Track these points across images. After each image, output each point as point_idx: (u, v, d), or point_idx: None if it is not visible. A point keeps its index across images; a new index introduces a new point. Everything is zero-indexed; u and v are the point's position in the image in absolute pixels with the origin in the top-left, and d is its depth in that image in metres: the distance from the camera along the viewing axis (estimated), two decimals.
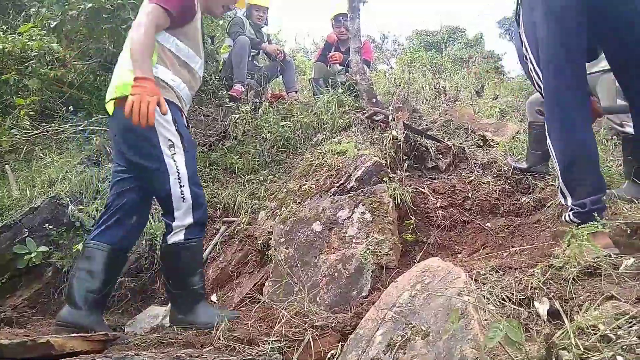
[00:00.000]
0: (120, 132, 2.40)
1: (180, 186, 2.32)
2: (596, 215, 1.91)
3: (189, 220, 2.38)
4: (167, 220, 2.41)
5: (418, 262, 2.74)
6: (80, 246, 3.41)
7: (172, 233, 2.39)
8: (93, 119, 5.05)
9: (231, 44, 5.75)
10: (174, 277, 2.49)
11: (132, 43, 2.17)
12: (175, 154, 2.30)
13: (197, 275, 2.49)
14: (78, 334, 2.04)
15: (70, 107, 5.31)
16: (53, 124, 4.97)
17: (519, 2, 2.32)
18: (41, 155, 4.58)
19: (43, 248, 3.34)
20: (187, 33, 2.42)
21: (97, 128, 4.96)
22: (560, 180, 2.22)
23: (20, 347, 1.83)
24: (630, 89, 2.37)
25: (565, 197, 2.21)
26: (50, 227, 3.43)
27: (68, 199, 3.72)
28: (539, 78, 2.24)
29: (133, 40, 2.17)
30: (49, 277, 3.39)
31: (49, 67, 5.43)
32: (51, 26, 5.14)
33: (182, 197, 2.33)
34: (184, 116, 2.52)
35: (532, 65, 2.25)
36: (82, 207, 3.76)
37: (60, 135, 4.90)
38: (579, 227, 1.91)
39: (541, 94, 2.34)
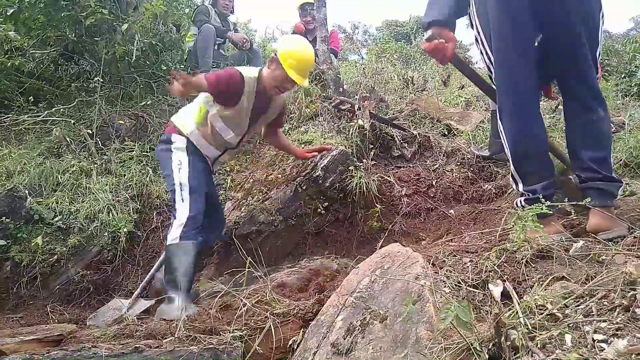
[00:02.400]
0: (157, 151, 3.23)
1: (181, 190, 2.87)
2: (544, 200, 1.96)
3: (184, 218, 2.80)
4: (172, 217, 2.93)
5: (379, 248, 2.77)
6: (39, 240, 3.33)
7: (171, 232, 2.81)
8: (54, 109, 4.90)
9: (196, 33, 5.64)
10: (165, 268, 2.84)
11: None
12: (181, 168, 2.93)
13: (180, 272, 2.69)
14: (33, 337, 1.99)
15: (30, 98, 5.14)
16: (11, 115, 4.79)
17: None
18: None
19: (0, 242, 3.25)
20: (226, 112, 3.02)
21: (57, 119, 4.81)
22: (512, 166, 2.26)
23: None
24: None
25: (516, 183, 2.26)
26: (7, 220, 3.34)
27: (26, 192, 3.61)
28: (490, 61, 2.24)
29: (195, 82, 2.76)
30: (7, 271, 3.30)
31: (7, 55, 5.23)
32: (8, 13, 4.94)
33: (182, 199, 2.86)
34: (209, 160, 3.18)
35: (484, 47, 2.24)
36: (42, 200, 3.65)
37: (19, 126, 4.73)
38: (526, 209, 1.95)
39: (492, 79, 2.35)
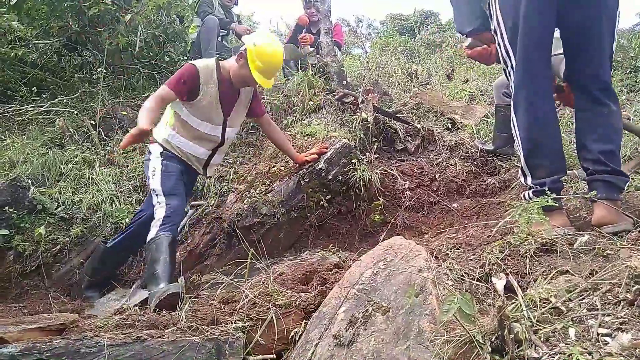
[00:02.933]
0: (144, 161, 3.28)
1: (156, 195, 2.95)
2: (551, 193, 1.95)
3: (161, 216, 2.86)
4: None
5: (382, 241, 2.77)
6: (42, 229, 3.33)
7: (151, 231, 2.83)
8: (57, 99, 4.89)
9: (200, 24, 5.62)
10: (147, 266, 2.87)
11: (144, 106, 2.85)
12: (154, 174, 3.00)
13: (160, 262, 2.70)
14: (35, 326, 1.99)
15: (34, 88, 5.14)
16: (14, 105, 4.79)
17: None
18: (1, 137, 4.42)
19: (3, 231, 3.25)
20: (194, 106, 3.05)
21: (60, 109, 4.81)
22: (523, 160, 2.24)
23: None
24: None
25: (525, 177, 2.24)
26: (10, 210, 3.34)
27: (29, 182, 3.62)
28: (507, 54, 2.23)
29: (145, 106, 2.84)
30: (10, 261, 3.31)
31: (10, 46, 5.22)
32: (11, 3, 4.93)
33: (158, 202, 2.93)
34: (189, 163, 3.19)
35: (502, 39, 2.23)
36: (45, 190, 3.66)
37: (22, 117, 4.73)
38: (532, 201, 1.94)
39: (506, 73, 2.34)
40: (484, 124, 4.52)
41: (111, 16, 4.99)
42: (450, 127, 4.63)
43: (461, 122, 4.63)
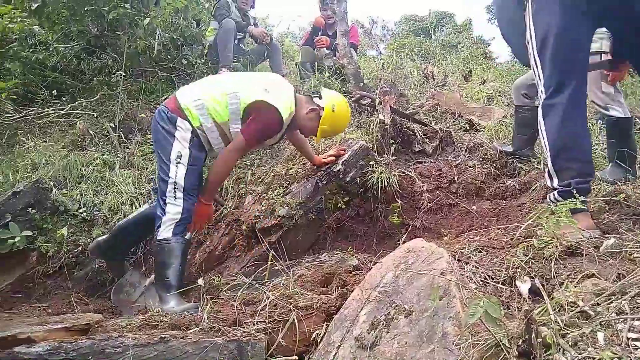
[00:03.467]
0: (155, 123, 2.91)
1: (175, 189, 2.75)
2: (578, 195, 1.94)
3: (177, 217, 2.74)
4: (159, 214, 2.77)
5: (402, 243, 2.76)
6: (64, 231, 3.38)
7: (162, 229, 2.73)
8: (77, 102, 4.97)
9: (217, 27, 5.67)
10: (155, 267, 2.84)
11: (218, 174, 2.90)
12: (179, 163, 2.77)
13: (173, 269, 2.69)
14: (61, 326, 2.02)
15: (54, 91, 5.23)
16: (35, 108, 4.88)
17: None
18: (24, 139, 4.50)
19: (27, 232, 3.30)
20: None
21: (80, 112, 4.89)
22: (550, 162, 2.23)
23: (1, 341, 1.80)
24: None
25: (552, 179, 2.23)
26: (33, 211, 3.40)
27: (51, 183, 3.68)
28: (536, 65, 2.26)
29: (220, 172, 2.91)
30: (33, 261, 3.36)
31: (31, 50, 5.32)
32: (32, 8, 5.02)
33: (174, 197, 2.76)
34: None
35: (533, 51, 2.26)
36: (66, 192, 3.72)
37: (44, 120, 4.81)
38: (559, 204, 1.93)
39: (536, 80, 2.34)
40: (502, 125, 4.49)
41: (130, 20, 5.05)
42: (468, 128, 4.60)
43: (479, 124, 4.59)
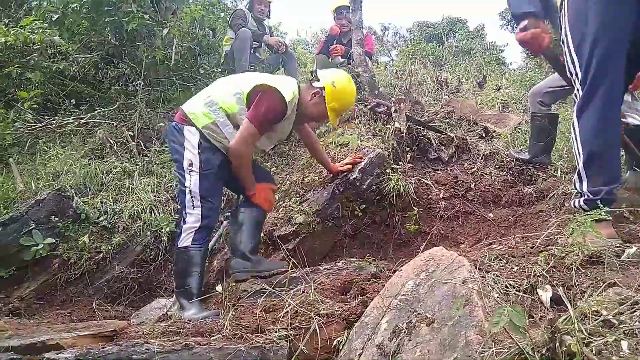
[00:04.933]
0: (168, 141, 3.04)
1: (192, 197, 2.77)
2: (603, 205, 1.94)
3: (197, 224, 2.75)
4: (182, 223, 2.81)
5: (422, 251, 2.77)
6: (86, 238, 3.45)
7: (182, 237, 2.76)
8: (96, 111, 5.06)
9: (233, 37, 5.75)
10: (175, 275, 2.89)
11: (240, 166, 2.90)
12: (192, 171, 2.78)
13: (193, 277, 2.72)
14: (88, 332, 2.06)
15: (72, 100, 5.33)
16: (57, 117, 4.97)
17: None
18: (45, 148, 4.59)
19: (49, 240, 3.38)
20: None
21: (99, 121, 4.97)
22: (581, 164, 2.22)
23: (30, 348, 1.85)
24: None
25: (581, 181, 2.22)
26: (56, 219, 3.46)
27: (73, 192, 3.75)
28: (573, 64, 2.24)
29: (242, 165, 2.90)
30: (55, 268, 3.43)
31: (51, 60, 5.43)
32: (53, 19, 5.14)
33: (192, 206, 2.77)
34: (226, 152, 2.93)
35: (569, 49, 2.24)
36: (87, 200, 3.78)
37: (64, 128, 4.91)
38: (584, 214, 1.93)
39: (571, 81, 2.33)
40: (518, 132, 4.49)
41: (148, 30, 5.14)
42: (484, 135, 4.61)
43: (495, 131, 4.60)
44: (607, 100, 2.18)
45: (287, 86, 2.90)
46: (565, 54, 2.32)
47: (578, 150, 2.26)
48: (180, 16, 5.36)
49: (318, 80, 3.05)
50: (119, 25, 5.01)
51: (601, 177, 2.17)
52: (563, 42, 2.32)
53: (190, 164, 2.79)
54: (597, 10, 2.16)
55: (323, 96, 2.96)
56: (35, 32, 5.02)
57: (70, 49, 5.53)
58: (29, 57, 5.22)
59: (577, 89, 2.27)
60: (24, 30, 4.97)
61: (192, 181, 2.77)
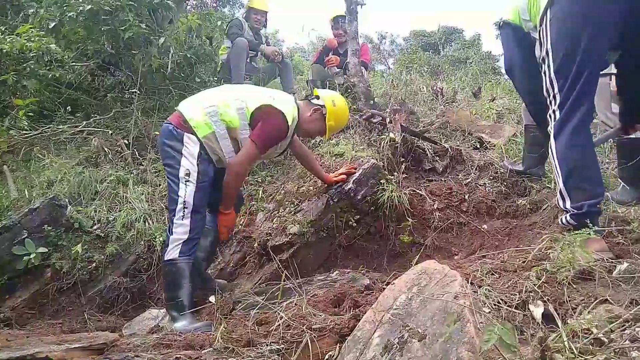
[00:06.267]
0: (162, 143, 2.89)
1: (184, 208, 2.73)
2: (589, 221, 1.95)
3: (184, 236, 2.73)
4: (168, 233, 2.79)
5: (415, 264, 2.77)
6: (79, 247, 3.43)
7: (169, 249, 2.73)
8: (91, 119, 5.06)
9: (229, 46, 5.76)
10: (165, 287, 2.85)
11: (231, 182, 2.88)
12: (188, 181, 2.75)
13: (183, 289, 2.71)
14: (78, 345, 2.03)
15: (68, 108, 5.32)
16: (52, 125, 4.96)
17: (549, 3, 2.33)
18: (39, 156, 4.58)
19: (42, 249, 3.35)
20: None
21: (94, 129, 4.97)
22: (561, 182, 2.24)
23: None
24: None
25: (564, 200, 2.24)
26: (49, 228, 3.44)
27: (67, 200, 3.73)
28: (552, 85, 2.28)
29: (233, 181, 2.89)
30: (47, 278, 3.40)
31: (48, 67, 5.42)
32: (50, 27, 5.14)
33: (182, 217, 2.73)
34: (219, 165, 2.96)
35: (549, 69, 2.27)
36: (81, 209, 3.77)
37: (59, 136, 4.90)
38: (572, 233, 1.94)
39: (547, 101, 2.36)
40: (513, 143, 4.50)
41: (144, 39, 5.15)
42: (478, 146, 4.62)
43: (489, 142, 4.61)
44: (583, 119, 2.24)
45: (289, 108, 2.96)
46: (544, 73, 2.35)
47: (557, 170, 2.29)
48: (177, 25, 5.38)
49: (317, 97, 3.18)
50: (116, 34, 5.01)
51: (582, 193, 2.20)
52: (543, 61, 2.35)
53: (187, 174, 2.76)
54: (580, 34, 2.19)
55: (323, 114, 3.09)
56: (32, 39, 5.02)
57: (67, 56, 5.53)
58: (25, 65, 5.21)
59: (554, 110, 2.30)
60: (21, 37, 4.98)
61: (187, 192, 2.74)
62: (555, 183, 3.59)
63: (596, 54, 2.19)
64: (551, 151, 2.27)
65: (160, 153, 3.01)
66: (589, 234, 1.85)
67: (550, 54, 2.27)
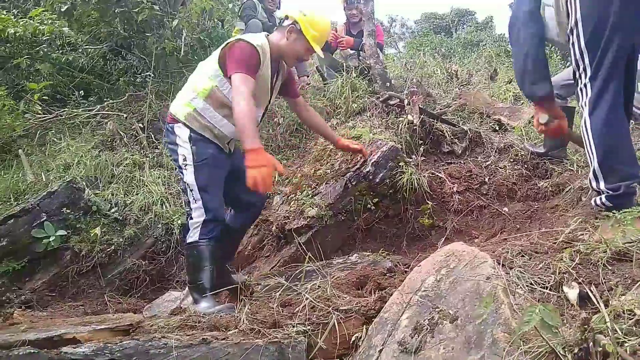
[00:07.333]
0: (165, 145, 2.93)
1: (191, 191, 2.69)
2: (625, 202, 1.91)
3: (201, 218, 2.67)
4: (186, 216, 2.76)
5: (441, 246, 2.74)
6: (98, 230, 3.43)
7: (190, 232, 2.70)
8: (105, 103, 5.04)
9: (243, 28, 5.67)
10: (187, 270, 2.82)
11: (240, 113, 2.48)
12: (186, 165, 2.71)
13: (205, 272, 2.66)
14: (104, 326, 2.03)
15: (81, 92, 5.31)
16: (67, 109, 4.95)
17: None
18: (55, 139, 4.58)
19: (61, 232, 3.36)
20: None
21: (109, 112, 4.95)
22: (596, 162, 2.18)
23: (48, 342, 1.82)
24: None
25: (597, 181, 2.18)
26: (67, 211, 3.45)
27: (84, 183, 3.73)
28: (582, 57, 2.19)
29: (242, 111, 2.47)
30: (67, 260, 3.42)
31: (60, 51, 5.40)
32: (62, 10, 5.11)
33: (194, 200, 2.69)
34: (222, 141, 2.82)
35: (579, 41, 2.19)
36: (98, 192, 3.77)
37: (74, 120, 4.89)
38: (622, 211, 1.88)
39: (576, 75, 2.29)
40: (532, 125, 4.42)
41: (157, 21, 5.10)
42: (497, 129, 4.54)
43: (508, 124, 4.53)
44: (617, 95, 2.15)
45: (252, 36, 2.77)
46: (573, 46, 2.26)
47: (592, 149, 2.21)
48: (190, 7, 5.31)
49: (286, 18, 2.91)
50: (129, 16, 4.97)
51: (618, 173, 2.13)
52: (572, 32, 2.25)
53: (184, 159, 2.73)
54: (611, 5, 2.11)
55: (299, 29, 2.82)
56: (44, 23, 5.00)
57: (80, 40, 5.50)
58: (37, 48, 5.20)
59: (585, 84, 2.22)
60: (33, 21, 4.95)
61: (188, 175, 2.71)
62: (578, 165, 3.57)
63: (630, 25, 2.10)
64: (585, 129, 2.19)
65: (170, 155, 3.02)
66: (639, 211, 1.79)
67: (579, 24, 2.18)
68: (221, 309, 2.47)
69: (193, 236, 2.70)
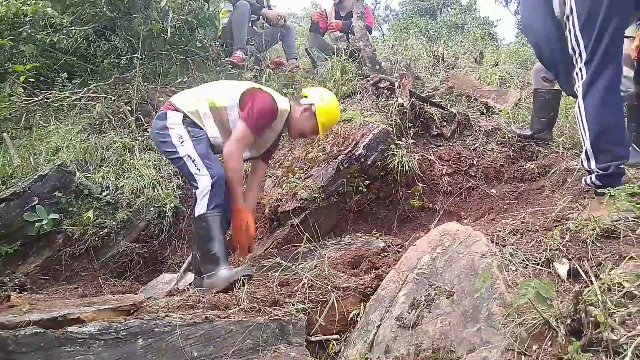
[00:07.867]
0: (154, 137, 2.98)
1: (193, 162, 2.74)
2: (613, 182, 1.98)
3: (209, 185, 2.69)
4: (193, 189, 2.78)
5: (434, 226, 2.81)
6: (90, 213, 3.42)
7: (198, 203, 2.71)
8: (93, 85, 4.97)
9: (230, 9, 5.63)
10: (198, 243, 2.79)
11: (232, 172, 2.77)
12: (183, 141, 2.79)
13: (216, 242, 2.65)
14: (108, 306, 2.05)
15: (64, 74, 5.21)
16: (53, 91, 4.87)
17: None
18: (41, 122, 4.51)
19: (54, 215, 3.34)
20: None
21: (95, 95, 4.88)
22: (588, 143, 2.24)
23: (52, 322, 1.85)
24: None
25: (589, 160, 2.25)
26: (59, 194, 3.42)
27: (74, 167, 3.71)
28: (577, 43, 2.25)
29: (234, 170, 2.79)
30: (59, 244, 3.40)
31: (44, 32, 5.28)
32: None
33: (198, 170, 2.74)
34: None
35: (574, 27, 2.25)
36: (89, 175, 3.75)
37: (60, 103, 4.81)
38: (616, 188, 1.95)
39: (572, 59, 2.34)
40: (519, 108, 4.51)
41: (144, 2, 5.02)
42: (484, 111, 4.62)
43: (495, 107, 4.60)
44: (613, 78, 2.20)
45: (281, 97, 3.06)
46: (569, 31, 2.32)
47: (585, 129, 2.27)
48: None
49: (305, 97, 3.19)
50: None
51: (610, 154, 2.20)
52: (567, 19, 2.31)
53: (180, 137, 2.80)
54: None
55: (313, 112, 3.06)
56: (27, 3, 4.88)
57: (65, 20, 5.38)
58: (21, 30, 5.08)
59: (580, 68, 2.28)
60: (16, 1, 4.83)
61: (187, 147, 2.77)
62: (563, 147, 3.65)
63: (622, 11, 2.16)
64: (578, 110, 2.25)
65: (157, 147, 3.16)
66: (633, 188, 1.86)
67: (574, 11, 2.23)
68: (240, 271, 2.48)
69: (201, 207, 2.70)
